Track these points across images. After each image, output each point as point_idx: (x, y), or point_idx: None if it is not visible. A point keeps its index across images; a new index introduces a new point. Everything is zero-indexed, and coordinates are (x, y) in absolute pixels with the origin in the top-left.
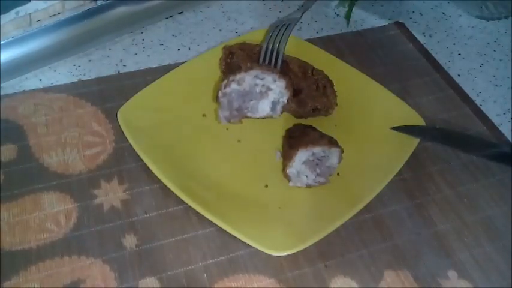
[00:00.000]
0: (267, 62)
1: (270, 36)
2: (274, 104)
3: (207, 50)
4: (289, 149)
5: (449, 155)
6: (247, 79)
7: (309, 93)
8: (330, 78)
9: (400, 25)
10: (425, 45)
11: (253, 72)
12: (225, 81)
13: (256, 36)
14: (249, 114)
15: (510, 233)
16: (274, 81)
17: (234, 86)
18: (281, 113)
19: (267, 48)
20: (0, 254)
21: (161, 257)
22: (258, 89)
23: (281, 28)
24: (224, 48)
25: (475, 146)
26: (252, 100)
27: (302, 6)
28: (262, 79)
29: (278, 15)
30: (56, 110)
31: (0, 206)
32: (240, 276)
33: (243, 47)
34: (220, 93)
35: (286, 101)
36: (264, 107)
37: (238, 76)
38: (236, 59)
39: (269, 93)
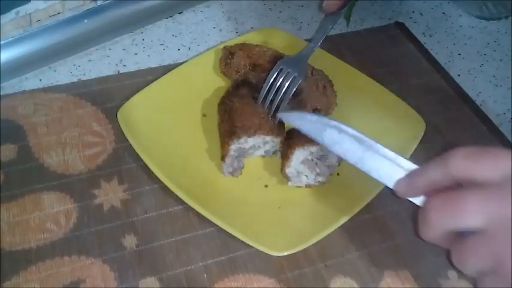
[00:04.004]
0: (266, 104)
1: (273, 79)
2: (268, 151)
3: (207, 50)
4: (287, 149)
5: None
6: (250, 141)
7: (309, 94)
8: (330, 79)
9: (400, 25)
10: (425, 45)
11: (256, 136)
12: (231, 146)
13: (256, 37)
14: (246, 157)
15: None
16: (273, 141)
17: (237, 145)
18: (272, 154)
19: (268, 90)
20: (0, 254)
21: (161, 257)
22: (257, 145)
23: (286, 76)
24: (224, 48)
25: None
26: (250, 151)
27: (317, 32)
28: (262, 139)
29: (278, 15)
30: (56, 110)
31: (0, 206)
32: (240, 276)
33: (243, 47)
34: (226, 159)
35: (279, 148)
36: (259, 153)
37: (242, 139)
38: (236, 60)
39: (265, 145)
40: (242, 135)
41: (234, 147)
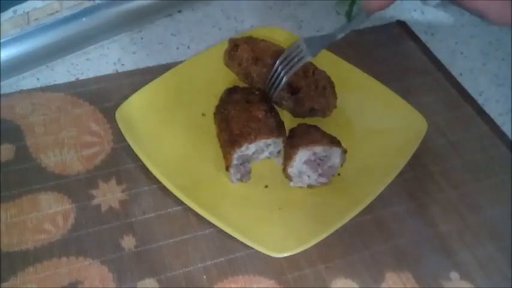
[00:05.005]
0: (272, 82)
1: (285, 57)
2: (272, 152)
3: (206, 48)
4: (290, 149)
5: (451, 155)
6: (251, 147)
7: (308, 93)
8: (332, 80)
9: (401, 23)
10: (427, 44)
11: (257, 141)
12: (233, 156)
13: (256, 35)
14: (251, 162)
15: None
16: (275, 142)
17: (239, 154)
18: (278, 154)
19: (276, 69)
20: None
21: (160, 258)
22: (259, 149)
23: (299, 53)
24: (230, 40)
25: None
26: (254, 156)
27: (349, 23)
28: (264, 143)
29: (278, 13)
30: (54, 110)
31: None
32: (240, 278)
33: (248, 40)
34: (231, 169)
35: (282, 148)
36: (264, 156)
37: (243, 147)
38: (240, 52)
39: (268, 147)
40: (243, 142)
41: (236, 156)
